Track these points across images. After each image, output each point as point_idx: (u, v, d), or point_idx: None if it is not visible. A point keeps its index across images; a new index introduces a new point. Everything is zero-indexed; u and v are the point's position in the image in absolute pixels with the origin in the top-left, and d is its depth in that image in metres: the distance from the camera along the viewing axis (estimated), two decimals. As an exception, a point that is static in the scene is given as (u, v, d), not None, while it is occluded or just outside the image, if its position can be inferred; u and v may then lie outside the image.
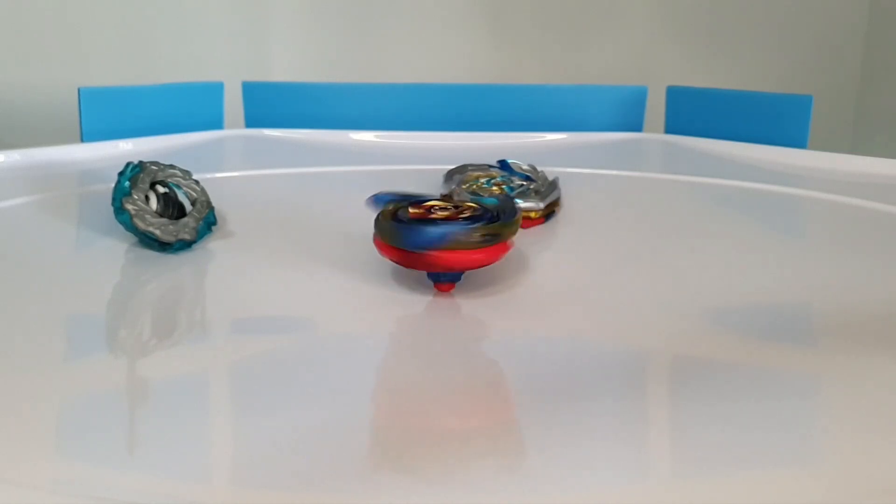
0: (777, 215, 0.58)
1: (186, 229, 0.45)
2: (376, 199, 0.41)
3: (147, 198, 0.45)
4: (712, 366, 0.34)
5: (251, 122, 0.80)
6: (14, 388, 0.31)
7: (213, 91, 0.78)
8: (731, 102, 0.78)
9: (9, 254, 0.46)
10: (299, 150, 0.75)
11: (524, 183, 0.54)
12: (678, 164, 0.74)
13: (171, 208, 0.46)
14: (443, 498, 0.24)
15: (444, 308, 0.38)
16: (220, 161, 0.73)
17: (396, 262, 0.39)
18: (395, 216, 0.39)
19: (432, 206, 0.40)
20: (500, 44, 1.24)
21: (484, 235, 0.38)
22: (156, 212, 0.45)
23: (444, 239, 0.37)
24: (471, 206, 0.40)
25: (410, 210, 0.40)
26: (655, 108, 0.81)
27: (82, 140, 0.70)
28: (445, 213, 0.39)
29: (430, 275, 0.40)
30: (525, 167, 0.57)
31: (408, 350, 0.36)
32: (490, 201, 0.41)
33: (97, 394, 0.31)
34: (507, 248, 0.39)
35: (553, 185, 0.54)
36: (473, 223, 0.38)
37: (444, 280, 0.39)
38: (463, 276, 0.40)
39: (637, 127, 0.81)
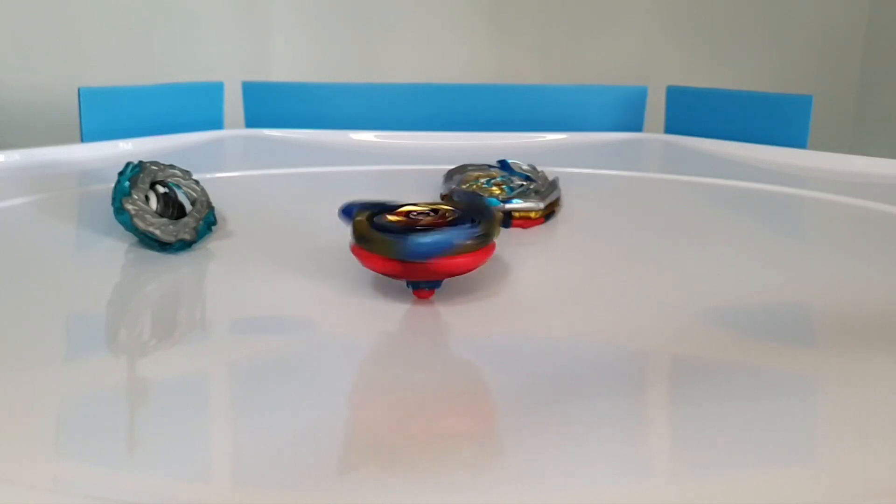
0: (777, 215, 0.58)
1: (186, 229, 0.45)
2: (345, 211, 0.39)
3: (147, 198, 0.45)
4: (712, 366, 0.34)
5: (251, 122, 0.80)
6: (14, 388, 0.31)
7: (213, 91, 0.78)
8: (731, 102, 0.78)
9: (9, 254, 0.46)
10: (299, 150, 0.75)
11: (524, 183, 0.54)
12: (678, 164, 0.74)
13: (171, 208, 0.46)
14: (440, 498, 0.24)
15: (426, 315, 0.38)
16: (220, 161, 0.73)
17: (390, 275, 0.38)
18: (374, 226, 0.38)
19: (410, 212, 0.39)
20: (500, 44, 1.24)
21: (481, 237, 0.37)
22: (156, 212, 0.45)
23: (451, 246, 0.36)
24: (446, 208, 0.40)
25: (389, 217, 0.38)
26: (655, 108, 0.81)
27: (82, 140, 0.70)
28: (430, 219, 0.38)
29: (409, 282, 0.38)
30: (525, 167, 0.57)
31: (406, 353, 0.36)
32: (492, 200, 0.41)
33: (97, 394, 0.31)
34: (494, 248, 0.39)
35: (553, 185, 0.54)
36: (466, 225, 0.38)
37: (424, 287, 0.38)
38: (443, 282, 0.39)
39: (637, 127, 0.81)
